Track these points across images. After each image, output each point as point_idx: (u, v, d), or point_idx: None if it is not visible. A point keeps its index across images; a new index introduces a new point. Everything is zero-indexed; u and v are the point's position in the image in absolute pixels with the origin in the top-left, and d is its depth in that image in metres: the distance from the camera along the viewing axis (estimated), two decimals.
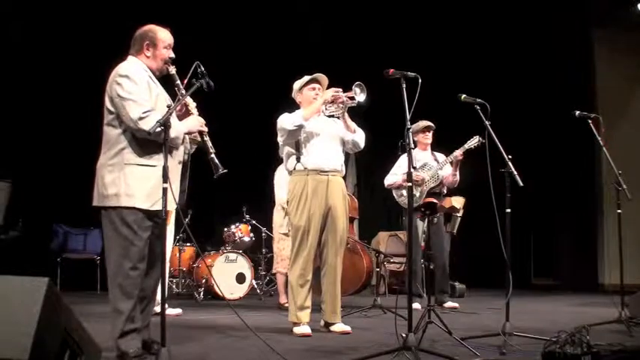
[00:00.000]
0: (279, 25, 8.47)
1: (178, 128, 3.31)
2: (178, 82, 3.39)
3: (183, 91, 3.34)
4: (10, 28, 7.46)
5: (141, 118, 3.15)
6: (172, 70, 3.42)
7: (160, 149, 3.13)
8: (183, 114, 3.49)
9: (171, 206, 3.28)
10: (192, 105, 3.50)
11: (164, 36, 3.43)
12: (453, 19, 8.57)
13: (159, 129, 3.01)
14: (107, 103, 3.29)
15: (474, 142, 5.69)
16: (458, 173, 5.99)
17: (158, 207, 3.10)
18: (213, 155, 3.43)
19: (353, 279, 7.16)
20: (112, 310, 3.22)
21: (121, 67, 3.32)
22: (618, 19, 8.62)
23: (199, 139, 3.47)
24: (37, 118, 7.82)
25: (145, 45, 3.39)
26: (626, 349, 3.06)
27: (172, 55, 3.43)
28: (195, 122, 3.44)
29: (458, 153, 5.84)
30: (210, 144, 3.46)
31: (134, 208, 3.20)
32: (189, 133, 3.44)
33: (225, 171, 3.41)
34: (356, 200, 7.71)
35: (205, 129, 3.47)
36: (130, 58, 3.41)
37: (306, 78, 4.59)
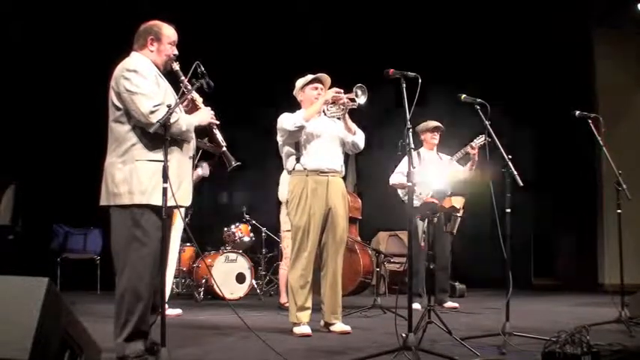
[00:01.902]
0: (279, 25, 8.46)
1: (189, 121, 3.28)
2: (183, 77, 3.37)
3: (189, 86, 3.32)
4: (10, 28, 7.45)
5: (152, 112, 3.11)
6: (176, 66, 3.40)
7: (170, 143, 3.12)
8: (191, 109, 3.46)
9: (187, 202, 3.32)
10: (199, 100, 3.48)
11: (169, 32, 3.40)
12: (453, 19, 8.56)
13: (160, 129, 3.01)
14: (114, 99, 3.23)
15: (480, 140, 5.76)
16: (474, 169, 6.04)
17: (171, 202, 3.05)
18: (224, 149, 3.43)
19: (349, 277, 7.14)
20: (123, 313, 3.14)
21: (128, 62, 3.27)
22: (618, 19, 8.62)
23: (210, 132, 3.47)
24: (37, 119, 7.82)
25: (149, 39, 3.35)
26: (626, 349, 3.07)
27: (176, 52, 3.41)
28: (206, 115, 3.43)
29: (469, 149, 5.89)
30: (220, 137, 3.45)
31: (148, 205, 3.15)
32: (200, 126, 3.41)
33: (238, 164, 3.41)
34: (359, 201, 7.70)
35: (216, 121, 3.45)
36: (134, 54, 3.36)
37: (310, 77, 4.58)
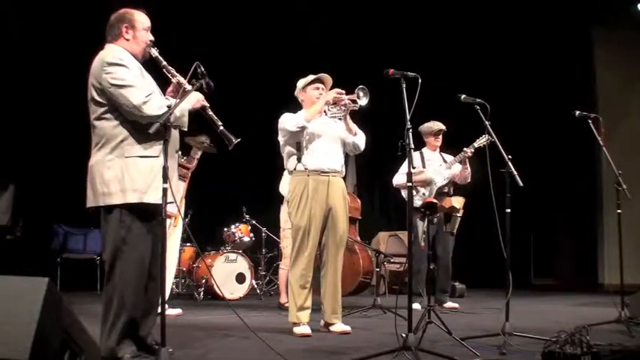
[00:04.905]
0: (279, 25, 8.47)
1: (182, 106, 3.09)
2: (164, 63, 3.27)
3: (173, 71, 3.24)
4: (10, 28, 7.44)
5: (145, 102, 3.00)
6: (155, 52, 3.26)
7: (158, 138, 3.01)
8: (180, 94, 3.24)
9: (177, 198, 3.16)
10: (187, 85, 3.28)
11: (142, 18, 3.26)
12: (453, 19, 8.57)
13: (159, 127, 2.91)
14: (95, 96, 3.10)
15: (482, 140, 5.74)
16: (469, 167, 6.02)
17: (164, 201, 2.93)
18: (222, 128, 3.31)
19: (349, 278, 7.14)
20: (111, 317, 3.06)
21: (107, 55, 3.12)
22: (618, 19, 8.62)
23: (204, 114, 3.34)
24: (37, 118, 7.81)
25: (123, 28, 3.20)
26: (626, 349, 3.06)
27: (152, 37, 3.27)
28: (197, 97, 3.25)
29: (469, 151, 5.87)
30: (215, 117, 3.31)
31: (141, 203, 3.05)
32: (193, 109, 3.25)
33: (238, 140, 3.31)
34: (359, 201, 7.71)
35: (207, 103, 3.31)
36: (110, 46, 3.21)
37: (311, 77, 4.58)
